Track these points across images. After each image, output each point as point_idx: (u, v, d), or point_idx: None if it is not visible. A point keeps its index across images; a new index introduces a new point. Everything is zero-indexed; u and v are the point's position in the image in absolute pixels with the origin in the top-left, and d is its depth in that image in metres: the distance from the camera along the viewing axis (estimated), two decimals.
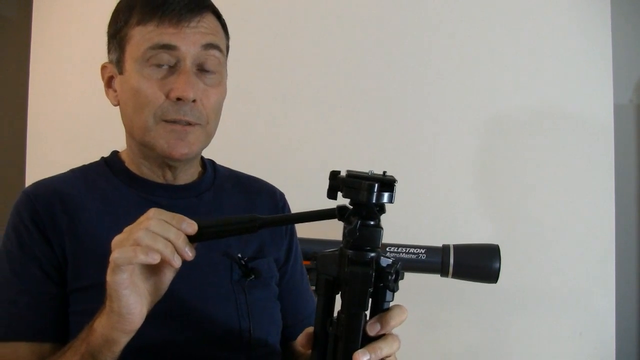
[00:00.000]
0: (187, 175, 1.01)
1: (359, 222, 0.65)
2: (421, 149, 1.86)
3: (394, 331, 0.70)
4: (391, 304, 0.70)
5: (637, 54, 1.96)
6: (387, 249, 1.45)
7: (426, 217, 1.80)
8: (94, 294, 0.85)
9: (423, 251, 1.46)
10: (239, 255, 0.96)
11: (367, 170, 0.67)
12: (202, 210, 0.99)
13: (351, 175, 0.66)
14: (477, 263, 1.45)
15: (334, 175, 0.68)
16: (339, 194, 0.68)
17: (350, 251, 0.66)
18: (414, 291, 1.72)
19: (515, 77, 1.83)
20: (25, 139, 2.04)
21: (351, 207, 0.67)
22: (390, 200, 0.65)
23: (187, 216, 0.95)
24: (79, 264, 0.90)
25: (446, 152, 1.85)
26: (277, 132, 1.90)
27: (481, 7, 1.85)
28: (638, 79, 1.97)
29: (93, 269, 0.88)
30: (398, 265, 0.67)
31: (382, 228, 0.66)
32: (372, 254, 0.66)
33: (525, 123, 1.83)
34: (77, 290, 0.90)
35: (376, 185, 0.64)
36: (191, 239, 0.74)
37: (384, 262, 0.67)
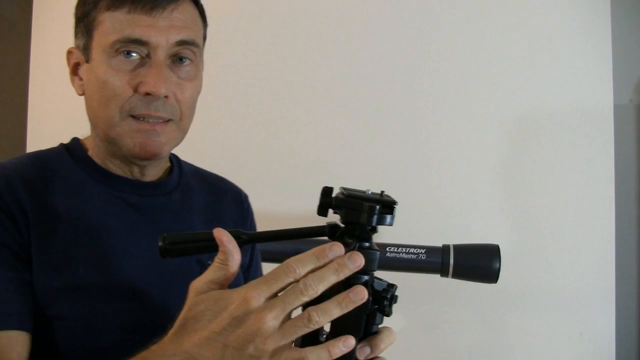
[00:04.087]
0: (156, 171, 0.95)
1: (357, 244, 0.61)
2: (421, 149, 1.85)
3: (382, 354, 0.67)
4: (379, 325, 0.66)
5: (637, 54, 1.95)
6: (387, 249, 1.45)
7: (426, 217, 1.80)
8: (75, 296, 0.80)
9: (423, 251, 1.46)
10: (209, 262, 0.93)
11: (363, 189, 0.64)
12: (172, 209, 0.94)
13: (349, 194, 0.62)
14: (477, 263, 1.45)
15: (327, 192, 0.64)
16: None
17: None
18: (414, 291, 1.73)
19: (514, 77, 1.83)
20: (25, 139, 2.03)
21: (342, 225, 0.63)
22: (391, 223, 0.62)
23: (158, 216, 0.90)
24: (48, 260, 0.81)
25: (445, 152, 1.85)
26: (275, 133, 1.89)
27: (481, 7, 1.85)
28: (638, 79, 1.97)
29: (67, 269, 0.82)
30: (393, 289, 0.64)
31: (378, 250, 0.63)
32: (366, 277, 0.62)
33: (525, 123, 1.83)
34: (53, 291, 0.81)
35: (377, 207, 0.60)
36: (171, 254, 0.66)
37: (379, 285, 0.64)
